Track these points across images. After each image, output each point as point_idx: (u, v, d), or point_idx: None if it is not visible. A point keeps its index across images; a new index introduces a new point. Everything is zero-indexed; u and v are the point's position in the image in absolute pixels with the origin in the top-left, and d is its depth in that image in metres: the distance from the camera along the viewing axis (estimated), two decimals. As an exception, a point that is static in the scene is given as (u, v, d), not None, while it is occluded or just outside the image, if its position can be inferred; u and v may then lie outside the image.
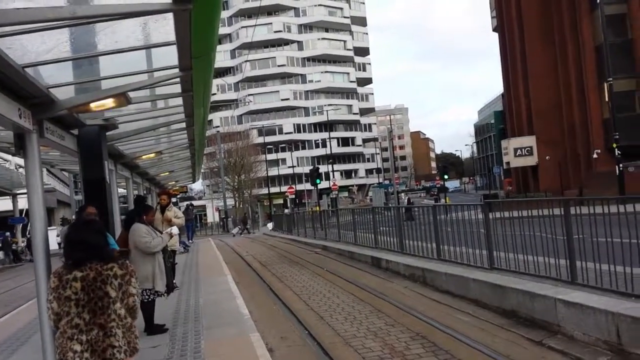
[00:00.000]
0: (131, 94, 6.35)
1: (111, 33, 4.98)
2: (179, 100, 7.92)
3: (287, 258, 18.17)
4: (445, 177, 49.65)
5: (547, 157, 38.58)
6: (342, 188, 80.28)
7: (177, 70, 5.80)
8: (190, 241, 27.26)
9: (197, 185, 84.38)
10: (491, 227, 9.24)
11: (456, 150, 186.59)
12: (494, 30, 52.81)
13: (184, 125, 9.65)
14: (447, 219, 11.49)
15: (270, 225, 42.03)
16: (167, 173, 18.56)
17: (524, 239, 8.32)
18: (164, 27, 4.70)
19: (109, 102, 6.13)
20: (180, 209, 16.99)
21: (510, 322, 7.48)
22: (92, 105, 6.09)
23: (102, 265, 3.57)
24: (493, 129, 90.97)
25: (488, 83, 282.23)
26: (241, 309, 8.85)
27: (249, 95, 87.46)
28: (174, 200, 35.59)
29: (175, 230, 8.86)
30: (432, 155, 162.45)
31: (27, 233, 31.55)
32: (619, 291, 6.43)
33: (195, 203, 59.03)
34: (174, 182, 25.42)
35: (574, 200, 7.32)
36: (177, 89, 6.72)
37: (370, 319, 8.41)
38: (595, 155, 32.71)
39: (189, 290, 11.32)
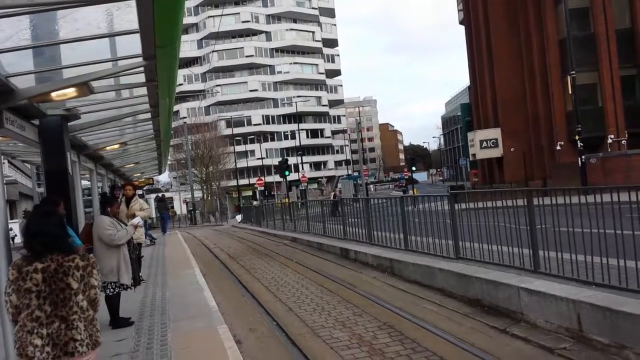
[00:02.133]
0: (94, 84, 6.22)
1: (72, 20, 4.86)
2: (144, 90, 7.78)
3: (255, 250, 18.11)
4: (413, 168, 50.07)
5: (511, 149, 39.25)
6: (312, 180, 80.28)
7: (140, 59, 5.69)
8: (167, 233, 27.07)
9: (164, 177, 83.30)
10: (457, 218, 9.37)
11: (424, 143, 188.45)
12: (461, 23, 53.36)
13: (149, 115, 9.48)
14: (415, 210, 11.60)
15: (239, 218, 41.83)
16: (133, 165, 18.24)
17: (488, 229, 8.45)
18: (128, 15, 4.60)
19: (71, 92, 5.99)
20: (146, 202, 16.76)
21: (475, 310, 7.61)
22: (54, 94, 5.94)
23: (63, 257, 3.50)
24: (460, 122, 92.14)
25: (456, 76, 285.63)
26: (208, 301, 8.79)
27: (217, 86, 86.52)
28: (139, 192, 35.08)
29: (138, 220, 8.74)
30: (401, 147, 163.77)
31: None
32: (580, 279, 6.60)
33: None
34: (139, 174, 25.02)
35: (537, 190, 7.47)
36: (142, 78, 6.60)
37: (339, 309, 8.45)
38: (558, 147, 33.43)
39: (155, 283, 11.18)
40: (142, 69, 6.08)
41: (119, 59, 5.90)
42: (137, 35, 5.08)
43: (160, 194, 41.32)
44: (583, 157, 26.53)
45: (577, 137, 26.46)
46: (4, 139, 6.63)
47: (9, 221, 5.41)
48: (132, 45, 5.48)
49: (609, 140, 31.75)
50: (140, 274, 8.31)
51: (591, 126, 31.35)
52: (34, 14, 4.36)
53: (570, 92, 28.55)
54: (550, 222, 7.25)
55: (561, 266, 6.93)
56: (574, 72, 26.75)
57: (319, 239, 16.60)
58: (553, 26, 34.28)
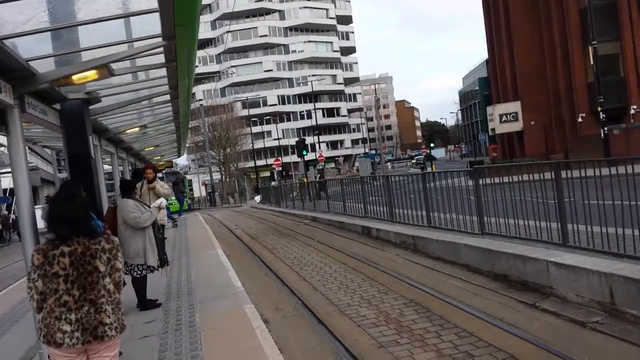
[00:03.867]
0: (113, 66, 6.18)
1: (91, 1, 4.80)
2: (163, 72, 7.73)
3: (276, 230, 18.15)
4: (432, 145, 49.69)
5: (532, 123, 38.66)
6: (329, 159, 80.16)
7: (160, 39, 5.63)
8: (181, 216, 27.15)
9: (182, 160, 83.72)
10: (481, 193, 9.24)
11: (441, 119, 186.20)
12: (478, -5, 52.28)
13: (168, 97, 9.45)
14: (437, 187, 11.48)
15: (257, 198, 41.96)
16: (152, 147, 18.31)
17: (515, 204, 8.33)
18: (146, -6, 4.54)
19: (91, 74, 5.95)
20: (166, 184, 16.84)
21: (503, 285, 7.53)
22: (74, 77, 5.90)
23: (89, 240, 3.47)
24: (478, 96, 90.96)
25: (472, 49, 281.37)
26: (234, 282, 8.82)
27: (232, 67, 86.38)
28: (159, 175, 35.33)
29: (161, 201, 8.76)
30: (417, 124, 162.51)
31: (12, 212, 31.16)
32: (610, 252, 6.48)
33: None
34: (159, 157, 25.14)
35: (564, 163, 7.30)
36: (161, 59, 6.54)
37: (363, 287, 8.43)
38: (580, 119, 32.87)
39: (179, 264, 11.26)
40: (161, 49, 6.02)
41: (138, 40, 5.85)
42: (156, 15, 5.02)
43: (181, 177, 41.72)
44: (606, 128, 26.03)
45: (599, 109, 25.94)
46: (26, 124, 6.63)
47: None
48: (151, 25, 5.42)
49: (632, 111, 31.11)
50: (165, 256, 8.33)
51: (613, 97, 30.71)
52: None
53: (592, 62, 27.94)
54: (578, 195, 7.11)
55: (591, 239, 6.80)
56: (595, 42, 26.13)
57: (339, 217, 16.57)
58: (573, -5, 33.46)
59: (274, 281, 9.81)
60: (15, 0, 3.98)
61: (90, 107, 8.19)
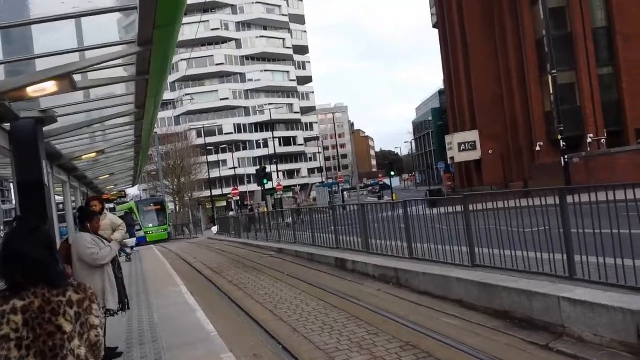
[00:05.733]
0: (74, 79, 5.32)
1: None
2: (128, 89, 6.91)
3: (240, 263, 17.15)
4: (392, 173, 49.61)
5: (490, 151, 39.07)
6: (285, 188, 79.24)
7: (133, 45, 4.82)
8: (134, 249, 25.63)
9: (133, 190, 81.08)
10: (471, 222, 8.67)
11: (396, 148, 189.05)
12: (434, 26, 53.34)
13: (132, 118, 8.56)
14: (415, 215, 10.90)
15: (214, 229, 40.65)
16: (108, 176, 17.12)
17: (510, 233, 7.78)
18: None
19: (51, 87, 5.07)
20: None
21: (506, 324, 6.89)
22: (29, 90, 5.02)
23: (50, 290, 2.59)
24: (431, 126, 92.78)
25: (425, 81, 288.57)
26: (204, 324, 7.89)
27: (187, 95, 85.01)
28: (110, 206, 33.60)
29: (122, 235, 7.85)
30: (372, 153, 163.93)
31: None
32: (627, 286, 5.95)
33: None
34: (112, 186, 23.79)
35: (568, 189, 6.80)
36: (130, 71, 5.73)
37: (349, 327, 7.64)
38: (538, 148, 33.30)
39: (139, 304, 10.20)
40: (133, 58, 5.21)
41: (106, 46, 5.01)
42: (129, 19, 4.26)
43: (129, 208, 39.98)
44: (566, 157, 26.29)
45: (559, 137, 26.22)
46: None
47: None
48: (122, 30, 4.64)
49: (589, 140, 31.74)
50: (127, 299, 7.35)
51: (570, 126, 31.22)
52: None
53: (550, 91, 28.42)
54: (583, 224, 6.61)
55: (602, 271, 6.27)
56: (554, 71, 26.55)
57: (308, 249, 15.76)
58: (530, 26, 34.26)
59: (246, 322, 8.89)
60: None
61: (45, 129, 7.24)
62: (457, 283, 8.13)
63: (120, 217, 28.62)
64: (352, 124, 28.67)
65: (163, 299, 10.39)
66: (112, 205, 35.58)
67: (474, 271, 8.29)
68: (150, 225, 41.38)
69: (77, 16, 4.08)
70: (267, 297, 10.68)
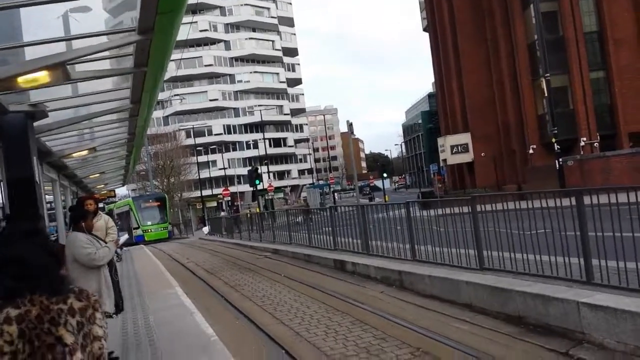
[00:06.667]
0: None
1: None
2: (122, 82, 6.57)
3: (235, 264, 16.78)
4: (385, 175, 49.41)
5: (482, 154, 38.99)
6: (276, 189, 78.86)
7: (132, 34, 4.48)
8: (121, 250, 25.11)
9: (122, 190, 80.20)
10: (479, 223, 8.39)
11: (386, 150, 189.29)
12: (425, 30, 53.30)
13: (126, 114, 8.19)
14: (419, 217, 10.63)
15: (206, 229, 40.21)
16: (98, 175, 16.68)
17: (522, 236, 7.50)
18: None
19: (43, 77, 4.71)
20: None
21: (520, 330, 6.60)
22: (20, 80, 4.66)
23: (49, 298, 2.26)
24: (421, 129, 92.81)
25: (414, 85, 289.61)
26: (203, 328, 7.56)
27: (176, 95, 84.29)
28: (100, 205, 33.01)
29: (118, 235, 7.50)
30: (362, 155, 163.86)
31: None
32: (651, 290, 5.70)
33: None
34: (102, 185, 23.31)
35: (589, 190, 6.53)
36: (128, 62, 5.38)
37: (355, 332, 7.33)
38: (531, 151, 33.24)
39: (133, 306, 9.83)
40: (131, 49, 4.87)
41: (103, 34, 4.67)
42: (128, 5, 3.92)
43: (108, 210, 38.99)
44: (560, 159, 26.22)
45: (554, 140, 26.17)
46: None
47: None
48: (120, 16, 4.29)
49: (582, 143, 31.73)
50: (122, 300, 7.01)
51: (563, 129, 31.22)
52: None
53: (544, 94, 28.34)
54: (602, 227, 6.35)
55: (623, 276, 6.01)
56: (548, 74, 26.50)
57: (305, 250, 15.42)
58: (522, 30, 34.23)
59: (247, 325, 8.56)
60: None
61: (35, 124, 6.87)
62: (466, 286, 7.85)
63: (120, 217, 28.09)
64: (351, 124, 28.30)
65: (158, 301, 10.03)
66: (100, 205, 35.02)
67: (483, 274, 8.01)
68: (149, 222, 39.37)
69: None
70: (266, 299, 10.35)
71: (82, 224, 6.25)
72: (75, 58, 4.68)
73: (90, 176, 16.41)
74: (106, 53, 5.15)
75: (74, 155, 10.46)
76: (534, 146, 33.07)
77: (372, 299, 9.28)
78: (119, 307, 6.87)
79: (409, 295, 9.10)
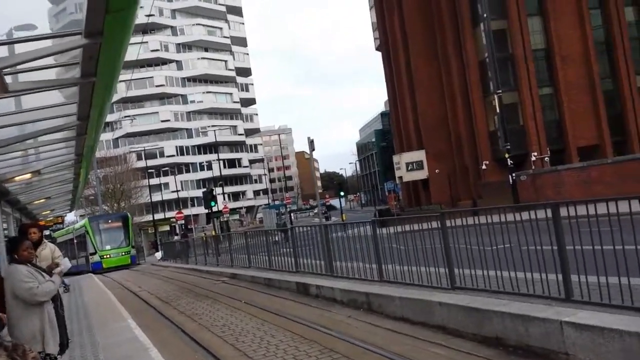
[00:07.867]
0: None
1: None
2: (68, 96, 5.99)
3: (191, 291, 16.00)
4: (342, 194, 49.22)
5: (436, 171, 39.34)
6: (231, 211, 77.61)
7: (78, 37, 3.98)
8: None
9: (70, 216, 77.20)
10: (449, 240, 8.11)
11: (340, 169, 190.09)
12: (377, 49, 53.88)
13: (72, 133, 7.56)
14: (385, 235, 10.28)
15: (158, 255, 38.86)
16: (44, 200, 15.68)
17: (496, 252, 7.24)
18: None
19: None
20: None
21: (499, 352, 6.28)
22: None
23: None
24: (375, 147, 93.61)
25: (367, 104, 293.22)
26: (161, 365, 6.92)
27: (126, 117, 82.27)
28: (46, 232, 31.38)
29: (64, 266, 6.81)
30: (317, 174, 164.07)
31: None
32: (634, 307, 5.48)
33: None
34: (49, 212, 22.11)
35: (567, 203, 6.31)
36: (73, 72, 4.84)
37: (326, 362, 6.87)
38: (483, 167, 33.71)
39: (81, 343, 9.05)
40: (77, 57, 4.35)
41: (43, 38, 4.13)
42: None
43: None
44: (513, 175, 26.58)
45: (507, 155, 26.55)
46: None
47: None
48: (69, 18, 3.79)
49: (532, 158, 32.38)
50: (68, 339, 6.33)
51: (514, 144, 31.73)
52: None
53: (495, 111, 28.76)
54: (580, 241, 6.14)
55: (605, 292, 5.79)
56: (500, 91, 26.96)
57: (265, 273, 14.85)
58: (472, 48, 34.92)
59: (207, 359, 7.95)
60: None
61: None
62: (440, 307, 7.51)
63: (78, 242, 26.27)
64: (312, 141, 27.91)
65: (109, 335, 9.28)
66: (47, 232, 33.21)
67: (456, 294, 7.71)
68: (108, 247, 34.09)
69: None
70: (226, 328, 9.74)
71: (16, 255, 5.60)
72: (11, 66, 4.12)
73: (35, 202, 15.42)
74: (51, 61, 4.59)
75: (16, 179, 9.68)
76: (487, 162, 33.57)
77: (340, 324, 8.83)
78: (64, 347, 6.20)
79: (378, 319, 8.70)
